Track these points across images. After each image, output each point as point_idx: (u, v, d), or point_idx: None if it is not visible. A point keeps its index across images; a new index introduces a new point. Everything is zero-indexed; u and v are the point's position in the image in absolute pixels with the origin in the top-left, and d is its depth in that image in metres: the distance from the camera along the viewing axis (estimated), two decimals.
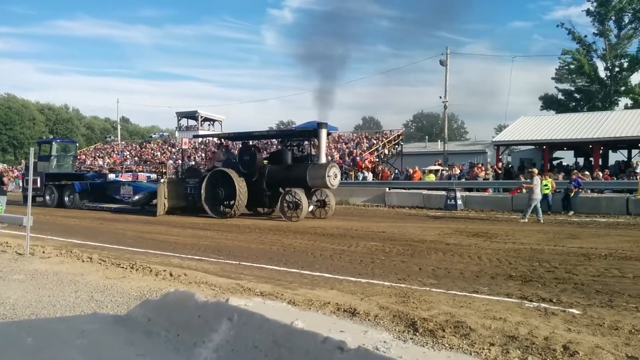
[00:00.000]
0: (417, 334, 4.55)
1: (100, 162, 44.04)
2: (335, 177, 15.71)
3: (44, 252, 9.02)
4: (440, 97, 33.69)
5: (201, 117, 52.05)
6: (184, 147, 25.36)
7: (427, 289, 6.47)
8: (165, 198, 17.64)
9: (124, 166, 40.46)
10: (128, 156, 45.83)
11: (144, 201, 19.43)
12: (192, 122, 53.69)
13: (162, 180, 19.73)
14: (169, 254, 9.50)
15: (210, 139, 22.75)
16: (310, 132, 17.25)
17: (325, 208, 16.83)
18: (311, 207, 16.25)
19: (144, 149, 48.37)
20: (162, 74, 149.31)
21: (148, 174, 26.55)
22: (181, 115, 53.59)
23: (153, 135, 61.28)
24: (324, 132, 16.11)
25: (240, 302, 1.97)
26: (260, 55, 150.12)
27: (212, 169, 17.66)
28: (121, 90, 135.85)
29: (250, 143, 18.72)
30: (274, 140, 29.31)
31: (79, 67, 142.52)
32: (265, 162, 17.33)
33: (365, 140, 34.12)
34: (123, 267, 7.81)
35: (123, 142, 56.08)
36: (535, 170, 16.38)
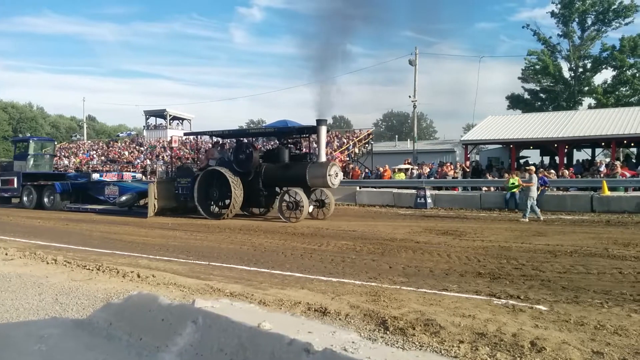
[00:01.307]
0: (388, 332, 4.55)
1: (66, 162, 42.96)
2: (337, 176, 15.20)
3: (6, 254, 8.75)
4: (410, 97, 34.01)
5: (170, 115, 51.33)
6: (173, 145, 24.37)
7: (398, 287, 6.49)
8: (155, 198, 17.03)
9: (90, 166, 39.57)
10: (94, 155, 44.84)
11: (132, 202, 18.72)
12: (160, 121, 52.87)
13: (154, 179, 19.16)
14: (136, 255, 9.33)
15: (205, 137, 21.63)
16: (310, 129, 16.77)
17: (324, 208, 16.26)
18: (311, 208, 15.78)
19: (111, 148, 47.41)
20: (130, 71, 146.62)
21: (133, 174, 25.75)
22: (149, 113, 52.71)
23: (120, 134, 60.10)
24: (323, 130, 15.54)
25: (207, 304, 1.92)
26: (229, 54, 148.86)
27: (206, 168, 17.01)
28: (87, 88, 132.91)
29: (245, 141, 18.01)
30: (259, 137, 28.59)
31: (43, 65, 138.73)
32: (260, 160, 16.71)
33: (335, 140, 34.19)
34: (89, 269, 7.63)
35: (89, 141, 54.85)
36: (533, 168, 16.38)
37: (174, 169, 19.75)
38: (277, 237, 11.71)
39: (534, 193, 15.04)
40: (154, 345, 1.86)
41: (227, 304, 1.99)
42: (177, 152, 41.31)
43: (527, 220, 14.54)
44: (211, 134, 19.28)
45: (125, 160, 41.37)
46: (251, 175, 16.07)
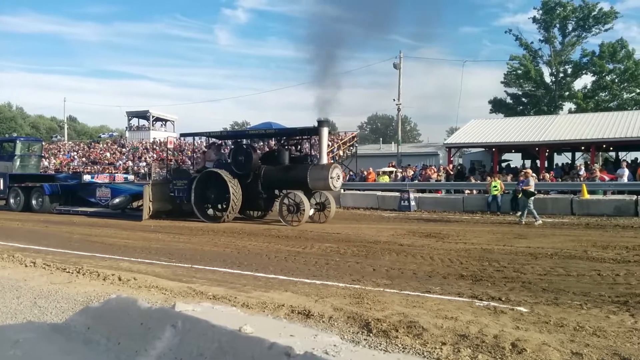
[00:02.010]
0: (371, 334, 4.56)
1: (46, 163, 42.33)
2: (338, 178, 14.94)
3: None
4: (394, 100, 34.20)
5: (153, 116, 50.95)
6: (169, 146, 23.62)
7: (381, 289, 6.51)
8: (150, 201, 16.51)
9: (71, 167, 39.05)
10: (75, 157, 44.27)
11: (125, 204, 18.21)
12: (143, 122, 52.46)
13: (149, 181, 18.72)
14: (118, 258, 9.22)
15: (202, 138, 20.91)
16: (311, 130, 16.27)
17: (325, 211, 15.86)
18: (311, 211, 15.34)
19: (92, 150, 46.88)
20: (112, 72, 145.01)
21: (125, 175, 25.28)
22: (132, 114, 52.28)
23: (102, 135, 59.53)
24: (325, 131, 15.26)
25: (187, 308, 1.89)
26: (214, 55, 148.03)
27: (203, 170, 16.55)
28: (68, 88, 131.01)
29: (243, 142, 17.58)
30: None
31: (23, 64, 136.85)
32: (259, 162, 16.22)
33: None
34: (69, 272, 7.51)
35: (70, 142, 54.17)
36: (530, 171, 16.35)
37: (169, 171, 19.24)
38: (261, 240, 11.67)
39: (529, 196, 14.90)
40: (132, 350, 1.83)
41: (208, 308, 1.97)
42: (161, 154, 40.98)
43: (540, 222, 14.39)
44: (209, 135, 18.87)
45: (107, 161, 40.91)
46: (250, 177, 15.74)
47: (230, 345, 1.60)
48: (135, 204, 18.49)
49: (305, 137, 17.36)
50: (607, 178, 19.09)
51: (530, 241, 10.84)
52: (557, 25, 41.80)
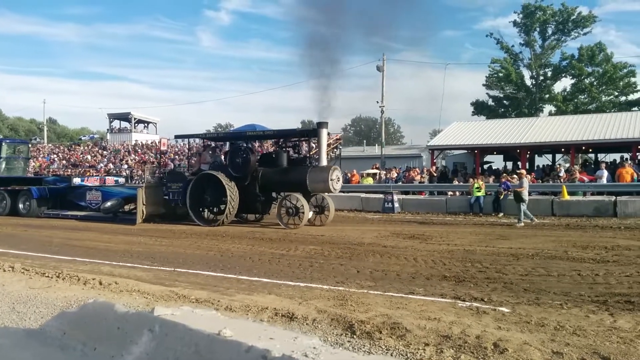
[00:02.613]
0: (355, 336, 4.56)
1: None
2: (338, 180, 14.70)
3: None
4: (378, 102, 34.33)
5: (135, 118, 50.48)
6: (162, 148, 22.78)
7: (365, 291, 6.52)
8: (143, 204, 16.15)
9: (51, 170, 38.49)
10: (56, 159, 43.66)
11: (117, 208, 17.69)
12: (124, 124, 51.97)
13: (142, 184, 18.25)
14: (99, 262, 9.12)
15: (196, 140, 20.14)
16: (310, 132, 16.01)
17: (323, 214, 15.60)
18: (310, 213, 15.07)
19: (73, 152, 46.27)
20: (93, 73, 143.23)
21: (116, 178, 24.78)
22: (113, 116, 51.73)
23: (83, 138, 58.80)
24: (324, 133, 14.96)
25: (167, 312, 1.87)
26: (196, 57, 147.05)
27: (198, 173, 16.19)
28: (48, 90, 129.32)
29: (238, 144, 16.92)
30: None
31: (1, 65, 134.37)
32: (257, 164, 15.94)
33: (304, 144, 34.19)
34: (48, 276, 7.41)
35: (50, 145, 53.42)
36: (524, 172, 16.28)
37: (162, 174, 18.67)
38: (245, 242, 11.62)
39: (526, 197, 14.95)
40: (108, 355, 1.80)
41: (188, 311, 1.94)
42: (142, 156, 40.62)
43: (522, 224, 14.37)
44: (204, 136, 18.39)
45: (87, 164, 40.43)
46: (247, 179, 15.43)
47: (208, 349, 1.58)
48: (127, 208, 18.14)
49: (304, 138, 17.04)
50: (586, 179, 19.37)
51: (512, 242, 10.95)
52: (537, 29, 42.37)
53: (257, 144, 20.04)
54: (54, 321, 2.17)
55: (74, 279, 7.26)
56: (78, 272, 7.72)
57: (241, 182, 15.34)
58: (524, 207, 14.72)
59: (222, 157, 17.36)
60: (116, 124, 52.47)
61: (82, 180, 21.79)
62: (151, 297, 6.22)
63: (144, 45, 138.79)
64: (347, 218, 18.41)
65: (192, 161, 18.66)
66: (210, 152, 17.69)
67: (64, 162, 42.55)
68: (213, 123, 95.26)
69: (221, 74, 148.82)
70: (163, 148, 22.26)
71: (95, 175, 27.66)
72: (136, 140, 46.72)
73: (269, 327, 1.84)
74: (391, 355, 4.04)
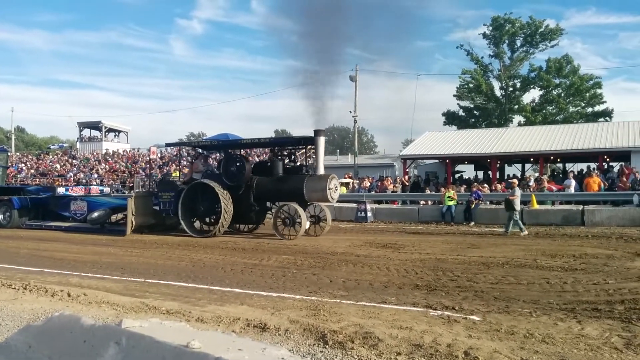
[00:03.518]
0: (327, 346, 4.55)
1: None
2: (336, 189, 14.39)
3: None
4: (351, 112, 34.54)
5: (105, 127, 49.71)
6: (151, 156, 21.96)
7: (338, 300, 6.53)
8: (132, 214, 15.58)
9: (19, 179, 37.54)
10: (24, 168, 42.60)
11: (105, 218, 17.02)
12: (95, 133, 51.13)
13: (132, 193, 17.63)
14: (67, 273, 8.93)
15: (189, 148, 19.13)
16: (307, 140, 15.41)
17: (320, 224, 15.17)
18: (307, 224, 14.54)
19: (41, 161, 45.23)
20: (62, 81, 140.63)
21: (101, 187, 24.04)
22: (83, 125, 50.85)
23: (52, 147, 57.51)
24: (321, 141, 14.55)
25: (134, 324, 1.84)
26: (169, 65, 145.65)
27: (190, 182, 15.67)
28: (16, 98, 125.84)
29: (233, 152, 16.59)
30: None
31: None
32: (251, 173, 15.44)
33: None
34: (15, 288, 7.23)
35: (18, 154, 52.07)
36: (516, 182, 16.15)
37: (151, 183, 18.19)
38: (217, 252, 11.51)
39: (518, 206, 14.86)
40: None
41: (156, 323, 1.92)
42: (113, 165, 39.97)
43: (525, 233, 14.25)
44: (197, 144, 17.73)
45: (57, 173, 39.57)
46: (242, 189, 14.96)
47: None
48: (114, 218, 17.63)
49: (301, 146, 16.41)
50: (555, 189, 19.81)
51: (482, 251, 11.10)
52: (506, 41, 43.41)
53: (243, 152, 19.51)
54: (20, 334, 2.12)
55: (41, 290, 7.10)
56: (46, 284, 7.55)
57: (235, 191, 14.94)
58: (516, 216, 14.60)
59: (215, 165, 16.92)
60: (86, 132, 51.58)
61: (67, 190, 21.12)
62: (121, 308, 6.12)
63: (115, 53, 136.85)
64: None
65: (185, 170, 18.17)
66: (202, 160, 17.21)
67: (32, 171, 41.56)
68: (186, 132, 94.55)
69: (194, 83, 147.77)
70: (152, 156, 21.53)
71: (80, 185, 26.79)
72: (107, 149, 45.98)
73: (238, 338, 1.83)
74: None
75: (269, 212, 15.90)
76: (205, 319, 5.55)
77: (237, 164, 15.18)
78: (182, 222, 15.22)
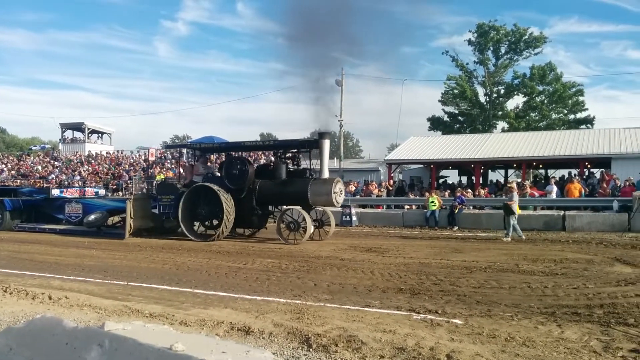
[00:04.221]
0: (311, 350, 4.57)
1: None
2: (341, 193, 14.22)
3: None
4: (336, 116, 34.64)
5: (88, 129, 49.20)
6: (151, 158, 21.32)
7: (322, 304, 6.54)
8: (131, 218, 15.23)
9: None
10: (4, 169, 41.99)
11: (102, 221, 16.61)
12: (78, 134, 50.57)
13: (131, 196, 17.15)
14: (48, 276, 8.82)
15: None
16: (311, 143, 15.25)
17: (324, 228, 14.95)
18: (312, 228, 14.19)
19: (22, 162, 44.62)
20: (45, 82, 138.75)
21: (96, 189, 23.54)
22: (66, 126, 50.27)
23: (33, 148, 56.79)
24: (326, 144, 14.42)
25: (117, 326, 1.84)
26: (153, 67, 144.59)
27: (190, 185, 15.34)
28: None
29: (235, 155, 16.37)
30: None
31: None
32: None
33: (263, 157, 34.10)
34: None
35: None
36: (514, 186, 16.14)
37: (149, 186, 17.79)
38: (201, 256, 11.45)
39: (516, 210, 14.75)
40: None
41: (139, 326, 1.91)
42: (96, 167, 39.57)
43: (509, 240, 14.15)
44: (198, 147, 17.34)
45: (38, 174, 39.07)
46: (244, 192, 14.67)
47: None
48: (110, 221, 17.27)
49: (305, 149, 15.94)
50: (536, 194, 20.06)
51: (465, 255, 11.20)
52: (491, 47, 43.89)
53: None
54: (0, 337, 2.10)
55: (22, 293, 7.01)
56: (26, 287, 7.46)
57: (237, 194, 14.67)
58: (513, 221, 14.52)
59: (216, 168, 16.66)
60: (69, 134, 51.00)
61: (61, 192, 20.66)
62: (103, 311, 6.06)
63: (99, 54, 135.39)
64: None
65: (184, 172, 17.67)
66: (202, 162, 16.88)
67: (13, 172, 40.98)
68: (170, 134, 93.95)
69: (179, 85, 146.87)
70: (151, 158, 21.02)
71: (75, 187, 26.25)
72: (89, 151, 45.51)
73: (222, 341, 1.83)
74: None
75: (271, 216, 15.70)
76: (188, 322, 5.53)
77: (240, 166, 14.84)
78: (182, 225, 14.91)
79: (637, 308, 6.20)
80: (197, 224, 15.60)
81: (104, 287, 7.77)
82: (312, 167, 15.27)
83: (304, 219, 13.74)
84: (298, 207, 14.07)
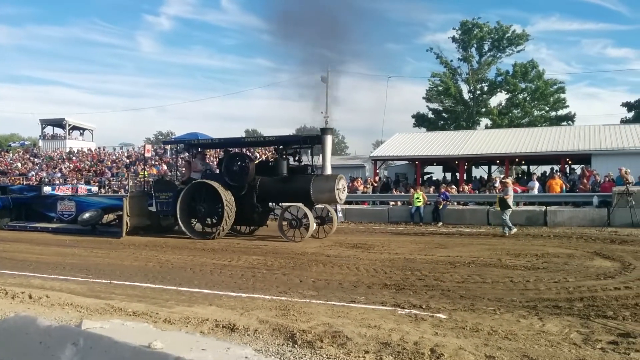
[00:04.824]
0: (296, 346, 4.57)
1: None
2: (344, 190, 14.01)
3: None
4: (322, 113, 34.56)
5: (69, 125, 48.52)
6: (147, 155, 20.69)
7: (307, 300, 6.55)
8: (127, 215, 14.89)
9: None
10: None
11: (97, 219, 16.13)
12: (58, 131, 49.87)
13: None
14: (29, 275, 8.71)
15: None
16: (313, 138, 14.86)
17: (325, 226, 14.68)
18: (314, 225, 13.94)
19: (1, 159, 43.88)
20: (24, 77, 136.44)
21: (89, 187, 22.94)
22: (46, 122, 49.54)
23: (12, 144, 55.87)
24: (329, 139, 14.15)
25: (95, 325, 1.81)
26: (136, 62, 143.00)
27: (189, 182, 14.98)
28: None
29: (235, 151, 15.92)
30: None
31: None
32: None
33: (247, 153, 33.95)
34: None
35: None
36: (509, 181, 16.09)
37: (146, 183, 17.21)
38: (186, 253, 11.38)
39: (511, 205, 14.77)
40: None
41: (118, 324, 1.89)
42: (78, 164, 39.07)
43: (514, 231, 14.16)
44: (197, 143, 16.84)
45: (17, 172, 38.45)
46: (244, 189, 14.37)
47: None
48: (105, 219, 16.91)
49: (307, 145, 15.59)
50: (519, 190, 20.26)
51: (450, 250, 11.29)
52: (475, 45, 44.21)
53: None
54: None
55: (1, 292, 6.91)
56: (6, 286, 7.36)
57: (237, 191, 14.37)
58: (506, 216, 14.48)
59: (214, 164, 16.44)
60: (49, 130, 50.25)
61: (53, 189, 20.15)
62: (85, 310, 6.00)
63: (79, 49, 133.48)
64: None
65: (182, 169, 17.08)
66: (200, 159, 16.50)
67: None
68: (154, 131, 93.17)
69: (162, 81, 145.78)
70: (147, 155, 20.46)
71: (67, 184, 25.66)
72: (70, 148, 44.92)
73: (202, 338, 1.82)
74: None
75: (272, 213, 15.48)
76: (172, 320, 5.49)
77: (240, 163, 14.58)
78: (180, 223, 14.65)
79: (615, 301, 6.30)
80: (194, 221, 15.33)
81: (86, 286, 7.68)
82: (313, 164, 14.98)
83: (305, 216, 13.53)
84: (300, 204, 13.78)
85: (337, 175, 14.21)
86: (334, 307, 6.15)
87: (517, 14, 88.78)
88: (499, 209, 14.99)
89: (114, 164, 37.47)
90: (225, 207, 13.89)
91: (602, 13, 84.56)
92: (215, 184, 14.21)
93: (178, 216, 14.56)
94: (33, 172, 37.25)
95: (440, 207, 18.76)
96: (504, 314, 5.72)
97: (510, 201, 14.75)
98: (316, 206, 14.65)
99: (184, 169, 16.89)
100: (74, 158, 41.18)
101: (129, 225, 14.98)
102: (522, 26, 77.45)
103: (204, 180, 14.62)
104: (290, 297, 6.73)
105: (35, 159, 42.59)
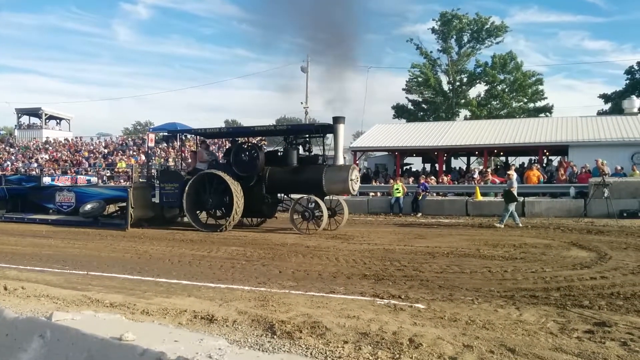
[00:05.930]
0: (275, 336, 4.55)
1: None
2: (357, 180, 13.62)
3: None
4: (302, 103, 34.55)
5: (45, 114, 47.62)
6: (150, 144, 19.95)
7: (287, 291, 6.54)
8: (131, 207, 14.47)
9: None
10: None
11: (99, 211, 15.59)
12: (34, 120, 48.93)
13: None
14: (4, 266, 8.54)
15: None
16: (325, 127, 14.40)
17: (336, 217, 14.29)
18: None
19: None
20: None
21: (88, 177, 22.26)
22: (21, 112, 48.60)
23: None
24: (341, 129, 13.59)
25: (66, 317, 1.77)
26: (113, 51, 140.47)
27: (195, 172, 14.63)
28: None
29: (242, 141, 15.52)
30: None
31: None
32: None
33: (227, 143, 33.72)
34: None
35: None
36: (512, 172, 15.99)
37: (148, 173, 16.59)
38: (164, 244, 11.28)
39: (517, 199, 14.67)
40: None
41: (89, 316, 1.86)
42: (54, 154, 38.38)
43: (502, 226, 14.06)
44: (204, 132, 16.42)
45: None
46: (253, 180, 14.04)
47: (101, 353, 1.52)
48: (114, 209, 16.55)
49: (318, 134, 15.07)
50: (497, 181, 20.51)
51: (428, 241, 11.38)
52: (454, 36, 44.38)
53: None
54: None
55: None
56: None
57: (246, 182, 14.03)
58: (512, 207, 14.43)
59: (220, 154, 16.05)
60: (25, 119, 49.27)
61: (53, 180, 19.51)
62: (61, 302, 5.90)
63: (55, 37, 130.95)
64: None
65: (188, 160, 16.54)
66: (205, 149, 16.08)
67: None
68: (132, 121, 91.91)
69: (140, 70, 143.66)
70: (150, 144, 19.78)
71: (67, 175, 24.95)
72: (47, 137, 44.10)
73: (175, 329, 1.79)
74: (311, 354, 4.06)
75: (281, 204, 15.24)
76: (150, 311, 5.43)
77: (250, 153, 14.13)
78: (187, 215, 14.35)
79: (592, 290, 6.42)
80: (198, 213, 14.98)
81: (63, 277, 7.57)
82: (324, 153, 14.64)
83: (318, 208, 13.23)
84: (312, 195, 13.41)
85: (350, 166, 13.96)
86: (313, 297, 6.15)
87: (496, 6, 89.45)
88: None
89: (92, 154, 36.91)
90: (235, 199, 13.55)
91: (579, 5, 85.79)
92: (224, 175, 13.87)
93: (185, 208, 14.25)
94: (9, 163, 36.51)
95: (420, 197, 18.89)
96: (482, 304, 5.78)
97: (515, 192, 14.61)
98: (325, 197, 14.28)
99: (189, 159, 16.45)
100: (50, 148, 40.45)
101: (132, 217, 14.59)
102: (501, 18, 78.13)
103: (213, 171, 14.24)
104: (269, 288, 6.72)
105: (11, 149, 41.74)
